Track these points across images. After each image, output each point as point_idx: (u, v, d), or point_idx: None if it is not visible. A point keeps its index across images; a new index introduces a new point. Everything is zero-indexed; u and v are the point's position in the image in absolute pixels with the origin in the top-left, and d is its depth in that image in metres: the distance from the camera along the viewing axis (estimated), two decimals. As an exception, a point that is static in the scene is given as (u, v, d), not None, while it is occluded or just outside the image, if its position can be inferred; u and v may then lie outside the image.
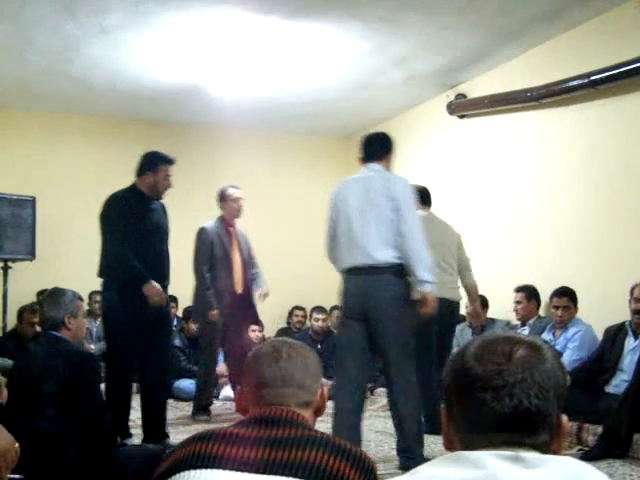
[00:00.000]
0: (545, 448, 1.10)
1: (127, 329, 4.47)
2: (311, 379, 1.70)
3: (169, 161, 4.75)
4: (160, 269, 4.70)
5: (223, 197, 5.95)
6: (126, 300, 4.48)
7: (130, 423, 4.74)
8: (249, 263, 6.02)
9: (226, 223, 5.95)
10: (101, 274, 4.71)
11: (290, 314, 8.39)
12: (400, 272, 3.92)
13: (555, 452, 1.11)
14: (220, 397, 6.63)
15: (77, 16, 5.53)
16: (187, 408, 6.11)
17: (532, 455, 1.05)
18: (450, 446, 1.17)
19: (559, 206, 6.02)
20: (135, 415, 5.02)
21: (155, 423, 4.67)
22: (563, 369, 1.15)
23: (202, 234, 5.86)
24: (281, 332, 8.09)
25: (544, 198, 6.21)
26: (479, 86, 7.03)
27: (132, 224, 4.58)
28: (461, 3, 5.40)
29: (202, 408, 5.82)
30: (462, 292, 5.37)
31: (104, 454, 2.87)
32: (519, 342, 1.14)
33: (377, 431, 5.20)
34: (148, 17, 5.56)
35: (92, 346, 6.96)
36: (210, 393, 6.05)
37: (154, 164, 4.72)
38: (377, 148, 4.22)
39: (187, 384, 6.69)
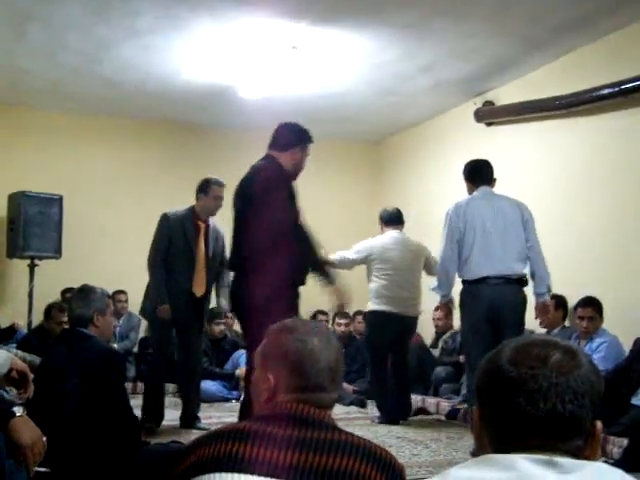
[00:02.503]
0: (579, 454, 1.09)
1: None
2: (339, 380, 1.72)
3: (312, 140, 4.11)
4: None
5: (204, 189, 5.24)
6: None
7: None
8: (215, 264, 5.30)
9: (195, 216, 5.24)
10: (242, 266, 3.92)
11: (313, 318, 8.36)
12: (524, 282, 4.64)
13: (588, 458, 1.10)
14: (241, 400, 6.61)
15: (109, 18, 5.59)
16: (208, 409, 6.14)
17: (566, 460, 1.04)
18: (481, 448, 1.17)
19: (586, 215, 5.97)
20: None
21: None
22: (598, 375, 1.14)
23: (162, 221, 5.25)
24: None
25: (571, 207, 6.16)
26: (507, 94, 6.99)
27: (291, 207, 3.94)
28: (489, 10, 5.39)
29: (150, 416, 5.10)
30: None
31: (128, 450, 2.89)
32: (555, 346, 1.13)
33: (398, 437, 5.19)
34: (178, 20, 5.61)
35: (115, 345, 7.01)
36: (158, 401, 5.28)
37: (304, 141, 4.11)
38: (489, 174, 4.94)
39: (209, 386, 6.70)
